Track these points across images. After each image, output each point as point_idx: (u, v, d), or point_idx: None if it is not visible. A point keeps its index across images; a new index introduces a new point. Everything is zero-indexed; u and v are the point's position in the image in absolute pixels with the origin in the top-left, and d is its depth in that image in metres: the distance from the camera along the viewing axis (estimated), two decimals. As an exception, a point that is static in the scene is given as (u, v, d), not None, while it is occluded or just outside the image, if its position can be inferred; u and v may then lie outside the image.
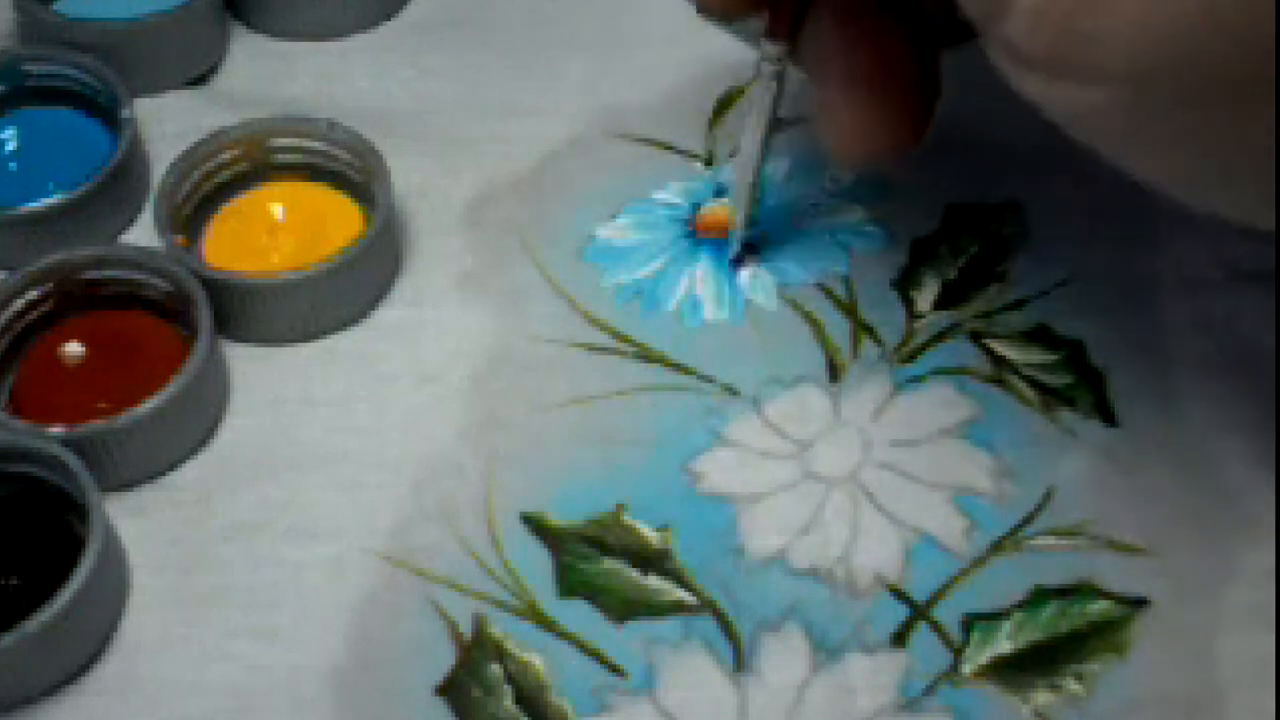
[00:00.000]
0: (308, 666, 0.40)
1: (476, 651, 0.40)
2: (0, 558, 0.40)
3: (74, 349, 0.44)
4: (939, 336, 0.45)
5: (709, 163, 0.49)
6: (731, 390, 0.44)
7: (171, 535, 0.42)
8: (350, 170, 0.47)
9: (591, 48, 0.52)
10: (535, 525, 0.42)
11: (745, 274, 0.46)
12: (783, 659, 0.39)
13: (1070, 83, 0.33)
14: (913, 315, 0.45)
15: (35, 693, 0.39)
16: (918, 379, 0.44)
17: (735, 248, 0.46)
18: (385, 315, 0.46)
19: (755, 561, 0.41)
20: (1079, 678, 0.39)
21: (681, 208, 0.48)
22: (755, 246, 0.46)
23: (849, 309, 0.45)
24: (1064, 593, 0.40)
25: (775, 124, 0.44)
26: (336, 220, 0.47)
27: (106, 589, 0.40)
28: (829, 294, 0.46)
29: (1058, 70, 0.33)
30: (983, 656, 0.39)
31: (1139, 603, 0.40)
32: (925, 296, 0.46)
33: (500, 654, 0.40)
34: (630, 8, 0.53)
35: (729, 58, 0.51)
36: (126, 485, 0.42)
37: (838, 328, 0.45)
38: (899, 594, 0.40)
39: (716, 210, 0.48)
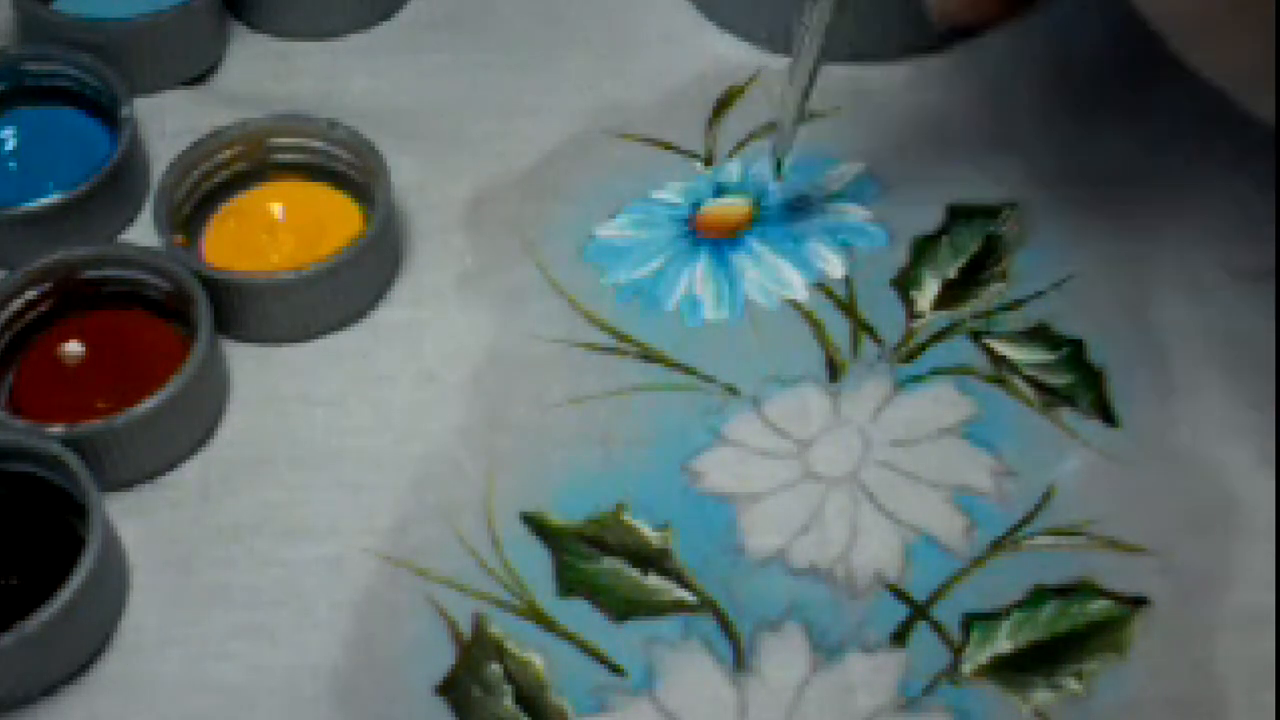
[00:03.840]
0: (308, 666, 0.40)
1: (476, 651, 0.40)
2: (0, 558, 0.40)
3: (73, 348, 0.44)
4: (939, 336, 0.45)
5: (709, 162, 0.49)
6: (731, 390, 0.44)
7: (171, 535, 0.42)
8: (350, 170, 0.47)
9: (591, 48, 0.52)
10: (535, 525, 0.42)
11: (751, 275, 0.46)
12: (782, 658, 0.39)
13: None
14: (912, 315, 0.45)
15: (35, 693, 0.39)
16: (917, 378, 0.44)
17: (780, 158, 0.46)
18: (385, 315, 0.46)
19: (755, 561, 0.41)
20: (1079, 677, 0.39)
21: (681, 207, 0.48)
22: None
23: (849, 309, 0.45)
24: (1064, 592, 0.40)
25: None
26: (336, 220, 0.47)
27: (106, 589, 0.40)
28: (829, 294, 0.46)
29: None
30: (982, 656, 0.39)
31: (1139, 602, 0.40)
32: (925, 296, 0.46)
33: (500, 653, 0.40)
34: (630, 8, 0.53)
35: (729, 58, 0.51)
36: (126, 485, 0.42)
37: (838, 327, 0.45)
38: (899, 593, 0.40)
39: (716, 210, 0.48)
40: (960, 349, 0.45)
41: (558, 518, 0.42)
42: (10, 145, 0.48)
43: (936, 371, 0.44)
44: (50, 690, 0.39)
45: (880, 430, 0.43)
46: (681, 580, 0.41)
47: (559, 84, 0.51)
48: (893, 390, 0.44)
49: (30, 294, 0.44)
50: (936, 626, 0.40)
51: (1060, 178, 0.48)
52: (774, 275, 0.46)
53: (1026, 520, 0.41)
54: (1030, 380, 0.44)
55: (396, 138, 0.48)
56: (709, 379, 0.44)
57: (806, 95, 0.44)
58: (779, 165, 0.46)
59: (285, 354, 0.45)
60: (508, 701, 0.39)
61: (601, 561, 0.41)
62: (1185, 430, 0.43)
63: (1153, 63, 0.50)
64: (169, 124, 0.49)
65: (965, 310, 0.45)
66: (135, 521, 0.42)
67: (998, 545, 0.41)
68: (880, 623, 0.40)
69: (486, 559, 0.41)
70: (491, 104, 0.50)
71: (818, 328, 0.45)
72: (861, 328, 0.45)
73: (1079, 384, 0.44)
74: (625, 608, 0.40)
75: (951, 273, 0.46)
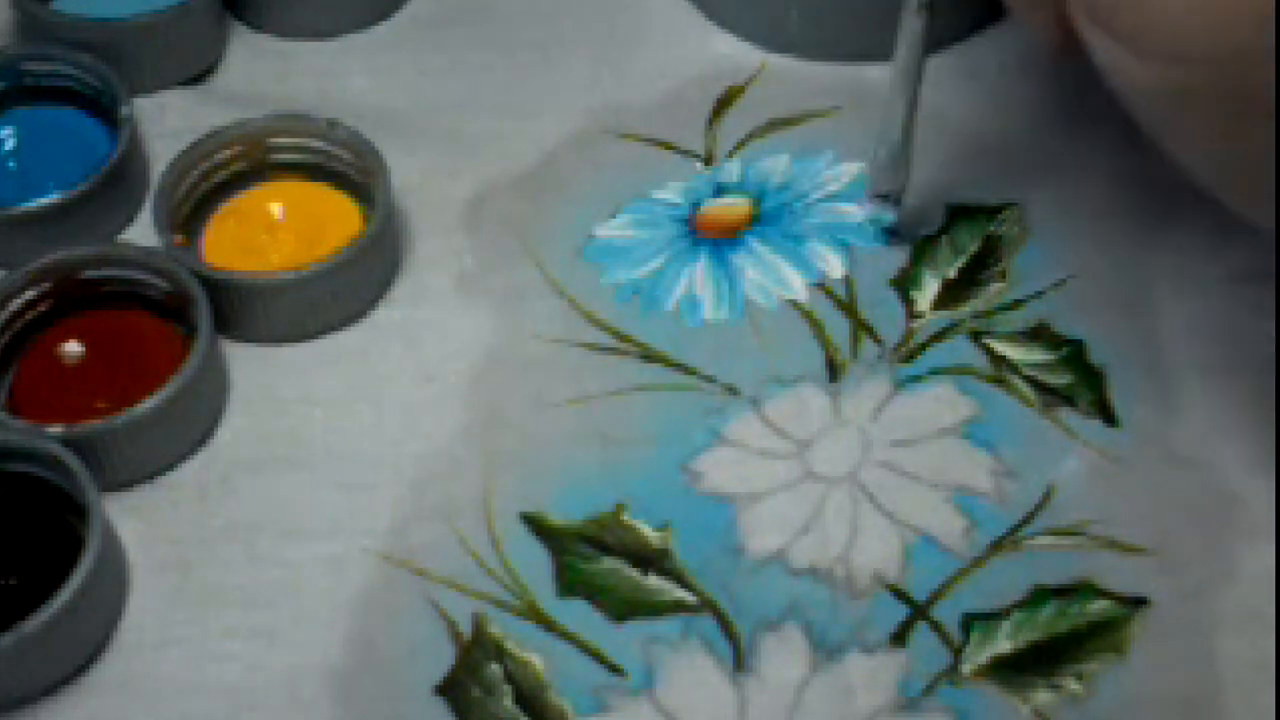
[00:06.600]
0: (307, 666, 0.40)
1: (476, 651, 0.40)
2: (0, 558, 0.40)
3: (73, 348, 0.44)
4: (938, 336, 0.45)
5: (708, 162, 0.49)
6: (731, 390, 0.44)
7: (170, 535, 0.42)
8: (350, 170, 0.47)
9: (591, 47, 0.52)
10: (535, 525, 0.42)
11: (751, 274, 0.46)
12: (782, 659, 0.39)
13: (1125, 51, 0.33)
14: (912, 315, 0.45)
15: (35, 693, 0.39)
16: (917, 378, 0.44)
17: (882, 210, 0.46)
18: (385, 315, 0.46)
19: (754, 561, 0.41)
20: (1078, 677, 0.39)
21: (681, 207, 0.48)
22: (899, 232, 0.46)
23: (849, 309, 0.45)
24: (1063, 592, 0.40)
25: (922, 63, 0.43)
26: (336, 220, 0.47)
27: (106, 589, 0.40)
28: (829, 294, 0.46)
29: (1115, 35, 0.33)
30: (982, 656, 0.39)
31: (1139, 602, 0.40)
32: (925, 296, 0.46)
33: (500, 653, 0.40)
34: (630, 8, 0.53)
35: (729, 57, 0.51)
36: (126, 485, 0.42)
37: (837, 327, 0.45)
38: (898, 593, 0.40)
39: (716, 209, 0.48)
40: (960, 349, 0.44)
41: (557, 518, 0.42)
42: (10, 145, 0.48)
43: (936, 371, 0.44)
44: (50, 690, 0.39)
45: (880, 430, 0.43)
46: (681, 580, 0.41)
47: (559, 84, 0.51)
48: (892, 390, 0.44)
49: (30, 294, 0.44)
50: (936, 627, 0.40)
51: (1060, 178, 0.48)
52: (774, 275, 0.46)
53: (1026, 520, 0.41)
54: (1030, 380, 0.44)
55: (396, 138, 0.48)
56: (709, 379, 0.44)
57: (912, 113, 0.44)
58: (895, 200, 0.46)
59: (285, 354, 0.45)
60: (507, 702, 0.39)
61: (601, 562, 0.41)
62: (1185, 430, 0.43)
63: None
64: (169, 124, 0.49)
65: (965, 310, 0.45)
66: (135, 521, 0.42)
67: (997, 545, 0.41)
68: (880, 623, 0.40)
69: (486, 559, 0.41)
70: (491, 104, 0.50)
71: (818, 328, 0.45)
72: (861, 328, 0.45)
73: (1079, 384, 0.44)
74: (625, 608, 0.40)
75: (951, 273, 0.46)
